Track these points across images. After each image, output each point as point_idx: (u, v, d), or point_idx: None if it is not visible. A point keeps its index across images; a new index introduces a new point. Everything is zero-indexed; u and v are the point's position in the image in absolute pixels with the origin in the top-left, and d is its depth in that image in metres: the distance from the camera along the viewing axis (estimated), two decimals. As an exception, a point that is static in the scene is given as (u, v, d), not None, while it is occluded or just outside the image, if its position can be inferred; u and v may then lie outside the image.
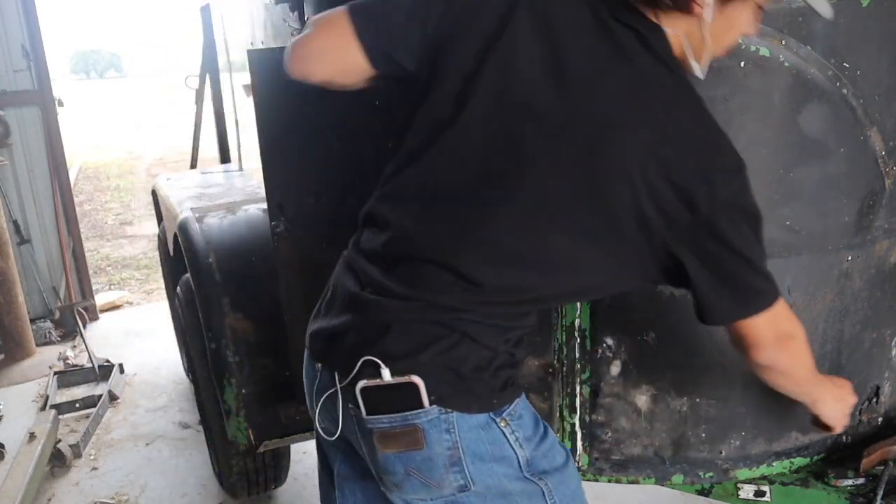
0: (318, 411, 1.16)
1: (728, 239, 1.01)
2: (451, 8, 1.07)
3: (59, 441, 3.01)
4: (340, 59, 1.11)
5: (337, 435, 1.12)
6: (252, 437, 2.15)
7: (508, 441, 1.08)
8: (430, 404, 1.02)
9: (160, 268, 4.09)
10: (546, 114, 1.02)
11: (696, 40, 1.04)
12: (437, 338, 1.04)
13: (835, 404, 1.28)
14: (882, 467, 1.42)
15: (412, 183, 1.10)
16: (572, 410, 1.45)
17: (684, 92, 1.04)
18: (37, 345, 4.18)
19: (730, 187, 1.00)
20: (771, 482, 1.46)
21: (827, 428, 1.32)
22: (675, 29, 1.03)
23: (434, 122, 1.07)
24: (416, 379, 1.01)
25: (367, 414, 1.05)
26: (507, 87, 1.04)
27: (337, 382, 1.09)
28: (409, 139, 1.10)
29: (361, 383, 1.04)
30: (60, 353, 4.07)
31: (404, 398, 1.02)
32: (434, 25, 1.07)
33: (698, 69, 1.06)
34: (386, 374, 1.02)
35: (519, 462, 1.09)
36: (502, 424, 1.08)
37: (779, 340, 1.10)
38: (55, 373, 3.74)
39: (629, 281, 1.12)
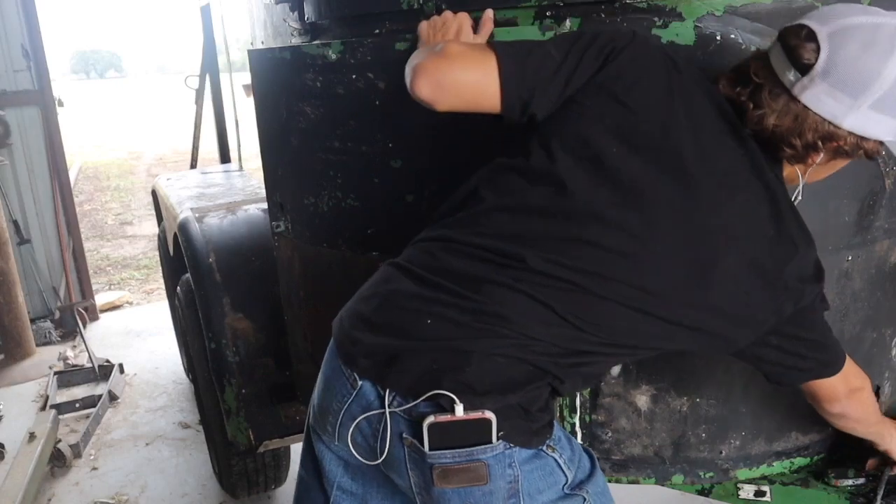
0: (350, 429, 1.07)
1: (814, 323, 1.17)
2: (605, 74, 1.08)
3: (59, 441, 3.01)
4: (476, 97, 1.10)
5: (378, 461, 1.06)
6: (252, 437, 2.16)
7: (560, 466, 1.09)
8: (497, 440, 0.99)
9: (160, 268, 4.10)
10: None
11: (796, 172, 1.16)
12: (526, 379, 1.01)
13: None
14: (882, 467, 1.42)
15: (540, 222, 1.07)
16: (572, 410, 1.45)
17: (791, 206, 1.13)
18: (37, 345, 4.19)
19: (819, 283, 1.13)
20: (771, 482, 1.46)
21: (894, 462, 1.40)
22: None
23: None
24: (490, 415, 0.98)
25: (431, 449, 0.99)
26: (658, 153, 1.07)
27: (386, 405, 1.02)
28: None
29: (430, 420, 0.97)
30: (60, 353, 4.07)
31: (474, 433, 0.98)
32: (578, 87, 1.09)
33: (799, 193, 1.16)
34: (459, 409, 0.97)
35: (568, 485, 1.11)
36: (549, 451, 1.08)
37: (850, 393, 1.26)
38: (55, 373, 3.74)
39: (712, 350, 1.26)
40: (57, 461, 2.95)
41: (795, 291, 1.10)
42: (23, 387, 3.77)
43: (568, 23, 1.24)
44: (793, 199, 1.14)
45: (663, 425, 1.43)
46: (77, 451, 3.03)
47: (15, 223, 4.31)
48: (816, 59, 1.02)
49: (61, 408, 3.34)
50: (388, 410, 1.02)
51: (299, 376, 1.95)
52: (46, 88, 4.35)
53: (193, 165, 4.23)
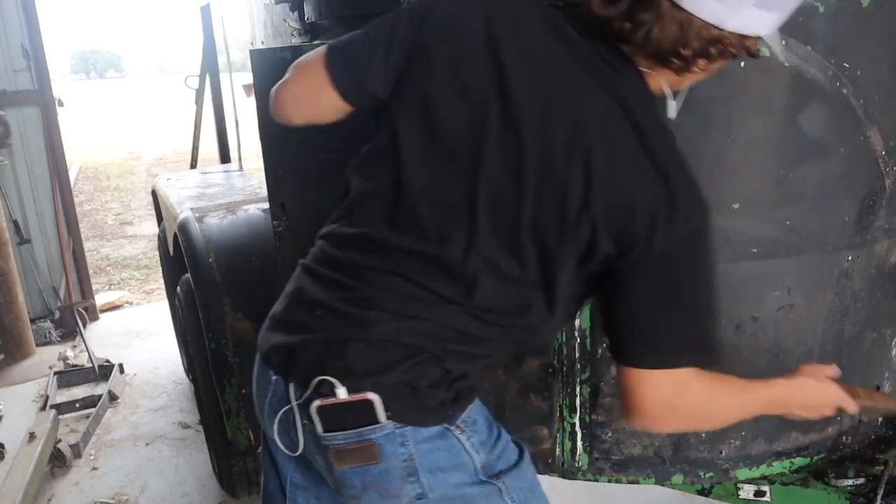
0: (275, 423, 1.12)
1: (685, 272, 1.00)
2: (424, 35, 1.07)
3: (59, 441, 3.01)
4: (316, 102, 1.15)
5: (298, 451, 1.11)
6: (252, 437, 2.16)
7: (465, 448, 1.09)
8: (387, 419, 1.02)
9: (160, 268, 4.10)
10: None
11: (674, 84, 1.06)
12: (403, 358, 1.03)
13: (802, 401, 1.19)
14: (882, 467, 1.42)
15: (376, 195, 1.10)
16: (572, 410, 1.45)
17: (659, 122, 1.03)
18: (37, 345, 4.18)
19: (694, 222, 0.99)
20: (771, 482, 1.46)
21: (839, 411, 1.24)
22: (657, 73, 1.04)
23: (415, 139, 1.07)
24: (373, 396, 1.01)
25: (324, 431, 1.04)
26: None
27: (291, 397, 1.07)
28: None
29: (316, 403, 1.02)
30: (60, 353, 4.07)
31: (360, 415, 1.02)
32: (405, 56, 1.08)
33: (673, 108, 1.08)
34: (342, 392, 1.01)
35: (475, 467, 1.10)
36: (458, 432, 1.08)
37: (666, 409, 1.04)
38: (55, 373, 3.74)
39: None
40: (57, 461, 2.95)
41: (620, 221, 0.97)
42: (23, 387, 3.77)
43: (568, 23, 1.24)
44: (671, 113, 1.07)
45: (663, 425, 1.43)
46: (77, 451, 3.03)
47: (15, 223, 4.31)
48: None
49: (61, 408, 3.34)
50: (293, 403, 1.07)
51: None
52: (46, 88, 4.34)
53: (193, 165, 4.23)
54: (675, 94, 1.08)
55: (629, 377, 1.03)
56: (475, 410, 1.12)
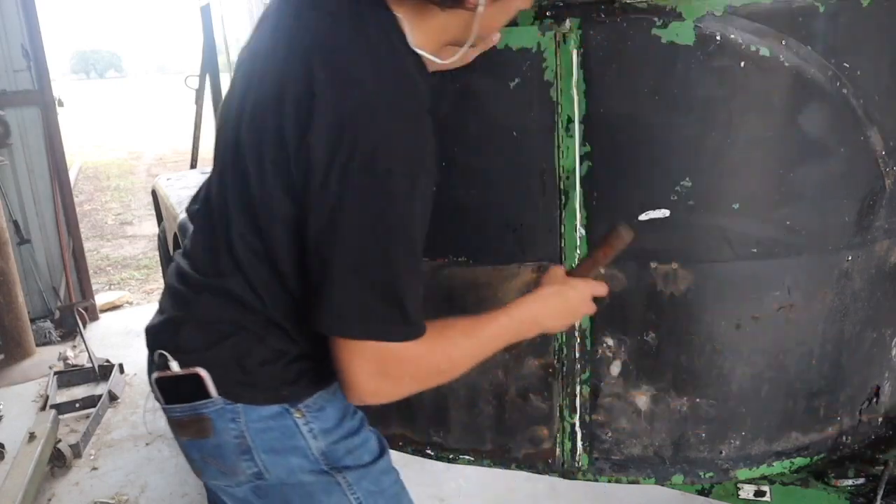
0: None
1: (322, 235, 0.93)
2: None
3: (59, 441, 3.01)
4: None
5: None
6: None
7: (301, 431, 1.10)
8: (218, 395, 1.06)
9: (160, 268, 4.09)
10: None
11: (456, 30, 1.02)
12: (224, 335, 1.06)
13: (551, 312, 1.15)
14: (882, 467, 1.42)
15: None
16: (572, 410, 1.45)
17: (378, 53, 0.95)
18: (37, 345, 4.19)
19: (358, 155, 0.89)
20: (771, 482, 1.46)
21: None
22: (419, 18, 0.99)
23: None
24: (202, 371, 1.05)
25: (165, 403, 1.10)
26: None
27: (148, 374, 1.14)
28: None
29: (155, 375, 1.09)
30: (60, 353, 4.07)
31: (193, 389, 1.06)
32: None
33: (437, 58, 1.03)
34: (174, 365, 1.07)
35: (314, 454, 1.11)
36: (297, 415, 1.09)
37: (381, 381, 1.00)
38: (55, 373, 3.74)
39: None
40: (57, 461, 2.95)
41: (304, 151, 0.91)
42: (23, 387, 3.77)
43: (568, 23, 1.24)
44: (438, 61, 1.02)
45: (663, 425, 1.43)
46: (77, 451, 3.03)
47: (15, 223, 4.31)
48: None
49: (61, 408, 3.34)
50: (150, 379, 1.13)
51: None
52: (46, 88, 4.35)
53: (193, 165, 4.23)
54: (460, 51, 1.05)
55: (333, 346, 0.98)
56: (326, 398, 1.12)
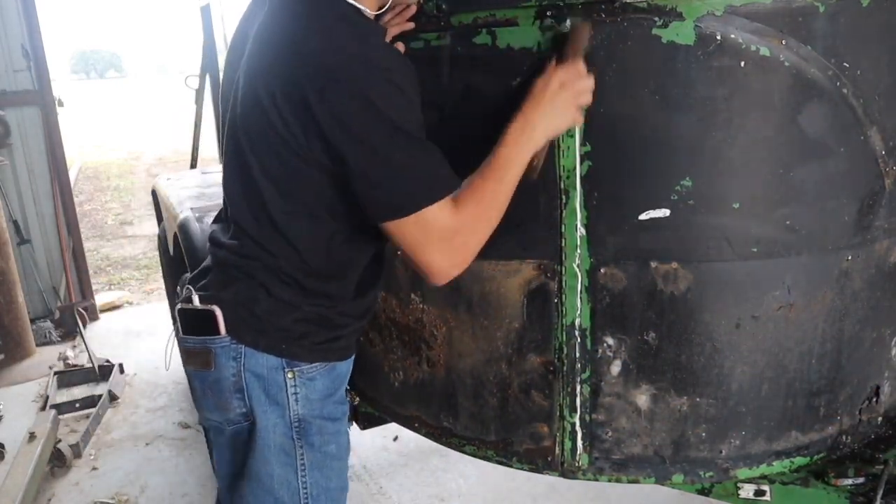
0: None
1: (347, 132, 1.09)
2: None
3: (59, 441, 3.01)
4: None
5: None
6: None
7: (286, 389, 1.22)
8: (226, 333, 1.20)
9: (160, 268, 4.10)
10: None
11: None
12: (236, 280, 1.22)
13: (548, 111, 1.20)
14: (882, 467, 1.42)
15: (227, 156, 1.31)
16: (572, 410, 1.45)
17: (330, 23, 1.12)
18: (37, 345, 4.19)
19: (338, 94, 1.07)
20: (771, 481, 1.46)
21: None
22: None
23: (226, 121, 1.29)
24: (216, 309, 1.20)
25: (182, 333, 1.25)
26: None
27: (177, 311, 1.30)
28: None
29: (178, 306, 1.25)
30: (60, 353, 4.07)
31: (207, 325, 1.20)
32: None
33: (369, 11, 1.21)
34: (195, 299, 1.22)
35: (291, 415, 1.23)
36: (289, 375, 1.22)
37: (453, 246, 1.15)
38: (55, 373, 3.74)
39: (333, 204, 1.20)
40: (57, 461, 2.95)
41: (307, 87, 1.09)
42: (23, 387, 3.77)
43: (568, 22, 1.24)
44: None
45: (663, 425, 1.43)
46: (77, 451, 3.03)
47: (15, 223, 4.31)
48: None
49: (61, 408, 3.35)
50: (173, 312, 1.32)
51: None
52: (46, 88, 4.35)
53: (193, 165, 4.23)
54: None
55: (399, 240, 1.15)
56: (321, 372, 1.25)
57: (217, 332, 1.20)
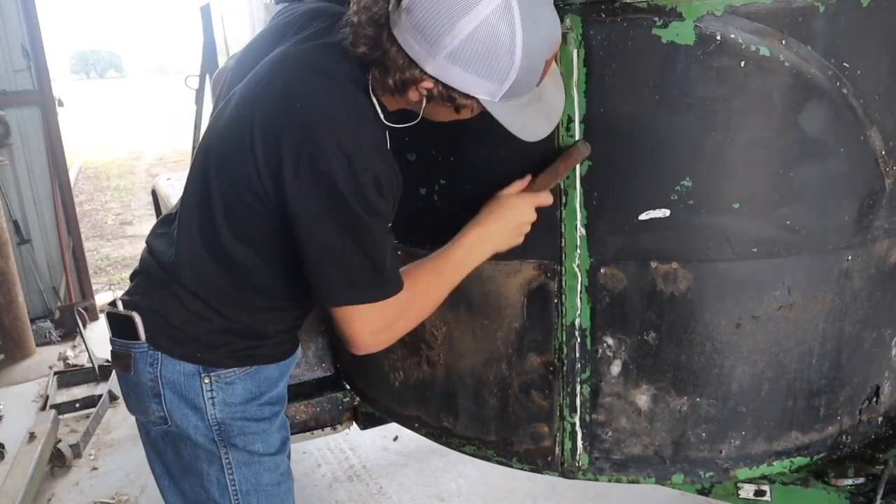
0: None
1: (302, 215, 1.10)
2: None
3: (59, 441, 3.01)
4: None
5: None
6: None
7: (202, 395, 1.25)
8: (145, 340, 1.23)
9: (160, 268, 4.09)
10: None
11: (408, 104, 1.15)
12: (156, 288, 1.25)
13: (500, 231, 1.29)
14: (882, 467, 1.42)
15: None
16: (572, 410, 1.45)
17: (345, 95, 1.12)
18: (37, 345, 4.19)
19: (318, 163, 1.06)
20: (771, 482, 1.46)
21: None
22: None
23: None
24: (135, 316, 1.23)
25: (111, 335, 1.29)
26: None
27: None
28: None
29: (107, 308, 1.29)
30: (60, 353, 4.07)
31: (129, 330, 1.24)
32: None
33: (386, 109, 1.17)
34: (120, 305, 1.27)
35: (209, 419, 1.26)
36: (205, 380, 1.25)
37: (374, 333, 1.21)
38: (55, 373, 3.74)
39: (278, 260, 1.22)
40: (57, 461, 2.95)
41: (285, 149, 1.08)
42: (23, 387, 3.77)
43: (568, 22, 1.24)
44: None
45: (663, 425, 1.43)
46: (77, 451, 3.03)
47: (15, 223, 4.31)
48: None
49: (61, 408, 3.35)
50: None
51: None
52: (46, 88, 4.35)
53: (193, 165, 4.22)
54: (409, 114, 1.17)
55: (332, 315, 1.20)
56: (240, 376, 1.27)
57: (137, 337, 1.24)
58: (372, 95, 1.14)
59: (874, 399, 1.52)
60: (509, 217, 1.28)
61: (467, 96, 1.07)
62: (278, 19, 1.31)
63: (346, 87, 1.12)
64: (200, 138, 1.30)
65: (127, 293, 1.30)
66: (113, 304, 1.28)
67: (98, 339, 4.32)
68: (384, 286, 1.17)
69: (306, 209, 1.09)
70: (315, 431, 1.96)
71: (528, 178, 1.31)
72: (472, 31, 0.99)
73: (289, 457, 1.41)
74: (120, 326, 1.26)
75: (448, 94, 1.07)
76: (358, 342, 1.21)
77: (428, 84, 1.07)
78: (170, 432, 1.29)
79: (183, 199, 1.27)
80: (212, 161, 1.20)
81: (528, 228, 1.31)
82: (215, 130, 1.22)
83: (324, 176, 1.06)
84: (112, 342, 1.30)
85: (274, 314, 1.30)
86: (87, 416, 3.31)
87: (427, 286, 1.26)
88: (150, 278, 1.27)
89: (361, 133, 1.10)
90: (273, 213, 1.14)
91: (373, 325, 1.19)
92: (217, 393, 1.26)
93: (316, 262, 1.14)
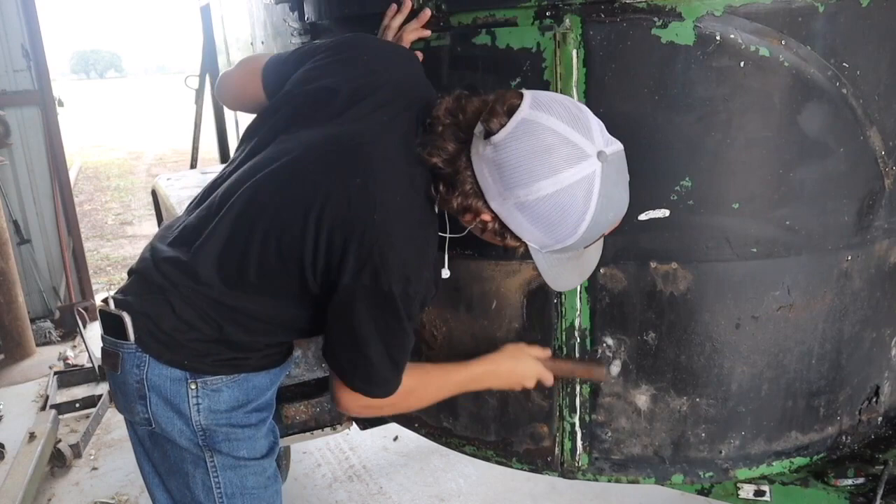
0: None
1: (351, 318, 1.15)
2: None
3: (59, 441, 3.01)
4: (245, 91, 1.43)
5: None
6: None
7: (188, 401, 1.25)
8: (134, 341, 1.23)
9: (160, 268, 4.09)
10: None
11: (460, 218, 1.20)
12: (150, 292, 1.25)
13: (499, 377, 1.41)
14: (882, 467, 1.42)
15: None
16: (572, 410, 1.45)
17: (410, 208, 1.15)
18: (37, 345, 4.19)
19: (379, 279, 1.11)
20: (771, 482, 1.46)
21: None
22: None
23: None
24: (126, 316, 1.23)
25: (103, 333, 1.30)
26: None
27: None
28: None
29: (100, 305, 1.29)
30: (60, 353, 4.07)
31: (118, 329, 1.24)
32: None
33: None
34: (111, 304, 1.26)
35: (194, 425, 1.26)
36: (192, 386, 1.25)
37: (362, 409, 1.29)
38: (55, 373, 3.74)
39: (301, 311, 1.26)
40: (57, 461, 2.95)
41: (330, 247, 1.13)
42: (23, 387, 3.77)
43: (568, 22, 1.24)
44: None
45: (663, 425, 1.43)
46: (77, 451, 3.03)
47: (15, 223, 4.31)
48: (499, 131, 1.06)
49: (61, 408, 3.34)
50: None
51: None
52: (46, 88, 4.35)
53: (193, 165, 4.23)
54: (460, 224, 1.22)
55: (333, 377, 1.26)
56: (227, 384, 1.27)
57: (126, 337, 1.24)
58: (436, 207, 1.19)
59: (874, 399, 1.52)
60: (519, 372, 1.39)
61: (519, 239, 1.12)
62: (334, 53, 1.31)
63: (422, 204, 1.16)
64: (234, 161, 1.31)
65: (120, 291, 1.30)
66: (106, 300, 1.28)
67: (98, 340, 4.32)
68: (390, 385, 1.24)
69: (353, 307, 1.14)
70: (315, 431, 1.95)
71: (549, 353, 1.41)
72: (550, 194, 1.04)
73: (279, 458, 1.42)
74: (110, 324, 1.26)
75: (501, 231, 1.12)
76: (344, 407, 1.28)
77: (486, 217, 1.12)
78: (155, 433, 1.29)
79: (213, 219, 1.23)
80: (260, 215, 1.18)
81: (527, 385, 1.41)
82: (267, 181, 1.19)
83: (381, 292, 1.11)
84: (103, 339, 1.30)
85: (268, 337, 1.31)
86: (87, 416, 3.31)
87: (424, 391, 1.36)
88: (145, 280, 1.26)
89: (425, 259, 1.16)
90: (312, 284, 1.17)
91: (363, 402, 1.26)
92: (203, 399, 1.26)
93: (341, 345, 1.20)
